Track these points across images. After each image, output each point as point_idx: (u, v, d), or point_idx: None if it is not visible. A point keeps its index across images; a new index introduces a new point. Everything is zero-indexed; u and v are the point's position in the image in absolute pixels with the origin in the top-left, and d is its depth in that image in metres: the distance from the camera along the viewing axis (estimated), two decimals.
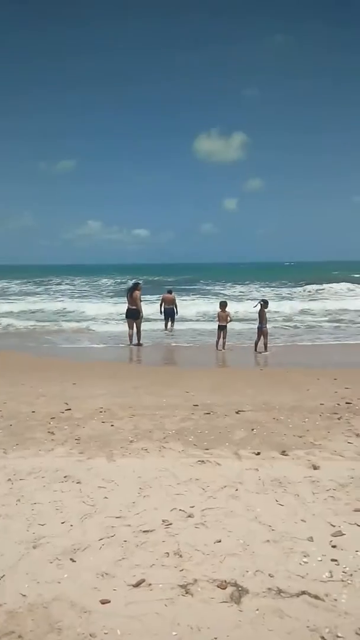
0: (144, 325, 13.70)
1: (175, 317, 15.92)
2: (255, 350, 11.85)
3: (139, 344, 12.84)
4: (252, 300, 21.06)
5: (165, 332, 15.44)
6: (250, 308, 14.38)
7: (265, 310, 12.04)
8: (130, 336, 13.02)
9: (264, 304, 12.10)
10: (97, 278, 52.11)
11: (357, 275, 45.81)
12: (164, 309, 15.64)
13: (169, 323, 15.74)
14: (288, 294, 32.18)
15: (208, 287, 39.31)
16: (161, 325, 15.85)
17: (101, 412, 6.11)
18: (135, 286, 13.30)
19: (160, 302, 15.84)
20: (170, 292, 16.10)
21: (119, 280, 47.55)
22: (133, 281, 14.51)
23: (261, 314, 11.92)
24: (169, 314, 15.66)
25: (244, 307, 18.74)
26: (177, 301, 16.05)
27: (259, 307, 12.00)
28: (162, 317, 15.76)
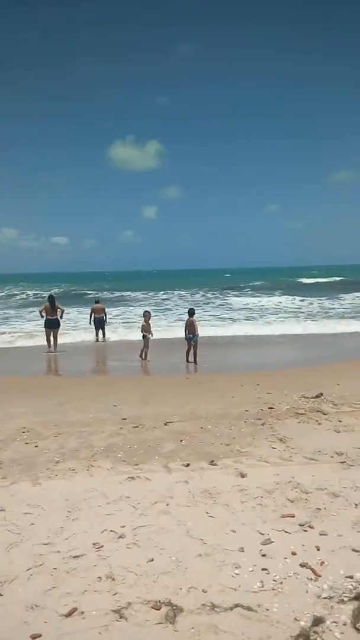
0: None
1: (106, 325, 15.83)
2: (187, 360, 11.75)
3: (55, 351, 13.54)
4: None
5: (97, 342, 15.38)
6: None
7: (194, 319, 11.96)
8: (49, 343, 13.78)
9: (191, 313, 12.14)
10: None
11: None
12: (94, 318, 15.54)
13: (100, 333, 15.62)
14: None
15: (132, 295, 38.94)
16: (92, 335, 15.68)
17: (24, 432, 5.86)
18: (54, 298, 14.11)
19: (90, 312, 15.72)
20: (97, 301, 16.18)
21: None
22: (50, 293, 14.53)
23: (189, 324, 11.85)
24: (100, 323, 15.54)
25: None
26: (106, 310, 16.03)
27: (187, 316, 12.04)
28: (93, 327, 15.59)
